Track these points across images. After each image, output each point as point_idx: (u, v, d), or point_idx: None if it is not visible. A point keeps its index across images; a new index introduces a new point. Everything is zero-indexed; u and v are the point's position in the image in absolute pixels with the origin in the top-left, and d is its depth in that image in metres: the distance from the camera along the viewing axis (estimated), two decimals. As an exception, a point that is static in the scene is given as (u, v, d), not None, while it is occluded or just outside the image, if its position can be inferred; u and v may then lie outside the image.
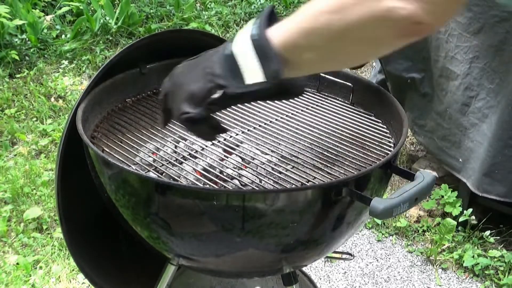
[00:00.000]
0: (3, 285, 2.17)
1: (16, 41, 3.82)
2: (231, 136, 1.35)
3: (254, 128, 1.40)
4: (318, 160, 1.26)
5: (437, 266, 2.40)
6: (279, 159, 1.27)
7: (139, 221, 1.21)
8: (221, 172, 1.22)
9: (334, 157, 1.27)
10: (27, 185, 2.70)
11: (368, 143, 1.34)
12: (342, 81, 1.51)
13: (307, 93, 1.56)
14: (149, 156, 1.27)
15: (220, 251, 1.18)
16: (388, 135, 1.38)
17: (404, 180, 1.18)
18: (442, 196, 2.59)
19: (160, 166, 1.23)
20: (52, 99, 3.45)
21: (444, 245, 2.46)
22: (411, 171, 1.16)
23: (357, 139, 1.35)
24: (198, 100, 0.94)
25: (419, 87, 2.62)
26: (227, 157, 1.28)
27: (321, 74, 1.54)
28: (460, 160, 2.41)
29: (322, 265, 2.38)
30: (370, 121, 1.44)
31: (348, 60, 0.94)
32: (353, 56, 0.91)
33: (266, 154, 1.29)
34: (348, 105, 1.51)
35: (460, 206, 2.52)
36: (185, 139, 1.34)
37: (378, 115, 1.45)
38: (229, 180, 1.19)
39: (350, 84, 1.49)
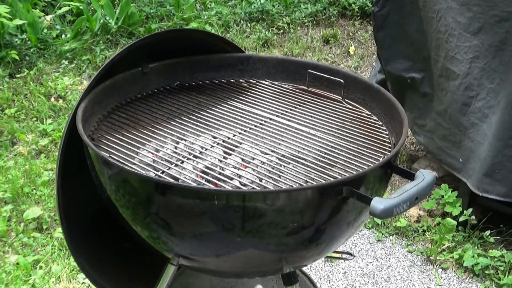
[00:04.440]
0: (3, 285, 2.17)
1: (16, 41, 3.82)
2: (229, 138, 1.35)
3: (251, 128, 1.40)
4: (318, 160, 1.26)
5: (437, 266, 2.40)
6: (279, 159, 1.27)
7: (139, 221, 1.21)
8: (221, 172, 1.22)
9: (334, 157, 1.27)
10: (27, 185, 2.70)
11: (368, 143, 1.34)
12: (333, 78, 1.51)
13: (301, 91, 1.57)
14: (149, 156, 1.27)
15: (220, 251, 1.18)
16: (388, 135, 1.38)
17: (404, 180, 1.18)
18: (442, 196, 2.59)
19: (160, 166, 1.23)
20: (52, 99, 3.45)
21: (444, 245, 2.46)
22: (411, 171, 1.16)
23: (357, 138, 1.35)
24: None
25: (419, 87, 2.62)
26: (227, 157, 1.28)
27: (312, 71, 1.55)
28: (460, 160, 2.41)
29: (322, 265, 2.38)
30: (370, 120, 1.44)
31: None
32: None
33: (266, 154, 1.29)
34: (348, 104, 1.51)
35: (460, 206, 2.52)
36: (185, 139, 1.34)
37: (378, 115, 1.45)
38: (229, 180, 1.19)
39: (341, 80, 1.50)
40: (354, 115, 1.47)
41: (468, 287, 2.29)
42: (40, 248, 2.38)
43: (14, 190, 2.65)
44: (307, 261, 1.32)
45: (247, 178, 1.19)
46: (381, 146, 1.33)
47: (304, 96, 1.56)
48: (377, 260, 2.43)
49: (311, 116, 1.46)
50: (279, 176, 1.20)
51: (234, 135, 1.36)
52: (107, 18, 4.16)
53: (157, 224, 1.16)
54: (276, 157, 1.27)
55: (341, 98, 1.53)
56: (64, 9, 4.24)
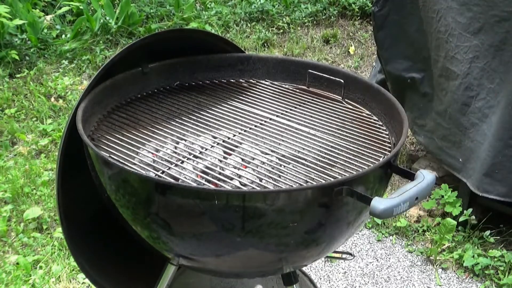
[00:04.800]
0: (3, 285, 2.17)
1: (16, 41, 3.82)
2: (229, 138, 1.35)
3: (251, 128, 1.40)
4: (318, 160, 1.26)
5: (437, 266, 2.40)
6: (279, 159, 1.27)
7: (139, 221, 1.21)
8: (221, 172, 1.22)
9: (334, 157, 1.27)
10: (27, 185, 2.70)
11: (368, 143, 1.34)
12: (333, 78, 1.51)
13: (301, 91, 1.57)
14: (149, 156, 1.27)
15: (220, 251, 1.18)
16: (388, 135, 1.38)
17: (404, 180, 1.18)
18: (442, 196, 2.59)
19: (160, 166, 1.23)
20: (52, 99, 3.45)
21: (444, 245, 2.46)
22: (411, 171, 1.16)
23: (357, 138, 1.35)
24: None
25: (419, 87, 2.62)
26: (227, 157, 1.28)
27: (312, 71, 1.55)
28: (460, 160, 2.41)
29: (322, 265, 2.38)
30: (370, 121, 1.44)
31: None
32: None
33: (266, 154, 1.29)
34: (348, 104, 1.51)
35: (460, 206, 2.52)
36: (185, 139, 1.34)
37: (378, 115, 1.45)
38: (229, 180, 1.19)
39: (341, 80, 1.50)
40: (354, 115, 1.47)
41: (468, 287, 2.29)
42: (40, 248, 2.38)
43: (14, 190, 2.65)
44: (307, 261, 1.32)
45: (247, 178, 1.19)
46: (381, 146, 1.33)
47: (304, 96, 1.56)
48: (377, 260, 2.43)
49: (311, 116, 1.45)
50: (279, 176, 1.20)
51: (234, 135, 1.36)
52: (107, 18, 4.16)
53: (157, 224, 1.16)
54: (276, 157, 1.27)
55: (341, 98, 1.53)
56: (64, 9, 4.24)
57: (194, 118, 1.43)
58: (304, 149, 1.30)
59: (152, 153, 1.29)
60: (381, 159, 1.26)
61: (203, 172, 1.21)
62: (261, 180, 1.19)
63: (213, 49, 1.59)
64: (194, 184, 1.17)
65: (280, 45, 4.31)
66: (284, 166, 1.24)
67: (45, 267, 2.28)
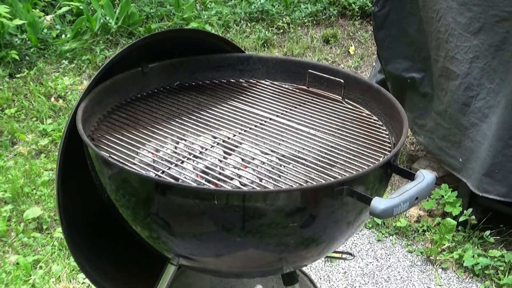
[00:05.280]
0: (3, 285, 2.17)
1: (16, 41, 3.82)
2: (229, 138, 1.35)
3: (251, 128, 1.40)
4: (318, 160, 1.26)
5: (437, 266, 2.40)
6: (279, 159, 1.27)
7: (139, 221, 1.21)
8: (221, 172, 1.22)
9: (334, 157, 1.27)
10: (27, 185, 2.70)
11: (368, 143, 1.34)
12: (333, 78, 1.51)
13: (301, 91, 1.57)
14: (149, 156, 1.27)
15: (220, 251, 1.18)
16: (388, 135, 1.38)
17: (404, 180, 1.18)
18: (442, 196, 2.59)
19: (160, 166, 1.23)
20: (52, 99, 3.45)
21: (444, 245, 2.46)
22: (411, 171, 1.16)
23: (357, 138, 1.35)
24: None
25: (419, 87, 2.62)
26: (227, 157, 1.28)
27: (312, 71, 1.55)
28: (460, 160, 2.41)
29: (322, 265, 2.38)
30: (370, 121, 1.44)
31: None
32: None
33: (266, 154, 1.29)
34: (348, 104, 1.51)
35: (460, 206, 2.52)
36: (185, 139, 1.34)
37: (378, 114, 1.45)
38: (229, 180, 1.19)
39: (341, 80, 1.50)
40: (354, 115, 1.47)
41: (468, 287, 2.29)
42: (40, 248, 2.38)
43: (14, 190, 2.65)
44: (307, 261, 1.32)
45: (247, 178, 1.19)
46: (381, 146, 1.33)
47: (304, 96, 1.56)
48: (377, 260, 2.43)
49: (311, 116, 1.45)
50: (279, 176, 1.20)
51: (234, 135, 1.36)
52: (107, 18, 4.16)
53: (157, 224, 1.16)
54: (276, 157, 1.27)
55: (341, 98, 1.53)
56: (64, 9, 4.24)
57: (194, 118, 1.43)
58: (304, 149, 1.30)
59: (152, 153, 1.29)
60: (381, 159, 1.26)
61: (203, 172, 1.21)
62: (261, 180, 1.19)
63: (213, 49, 1.59)
64: (194, 184, 1.17)
65: (280, 45, 4.31)
66: (284, 166, 1.24)
67: (45, 267, 2.28)
